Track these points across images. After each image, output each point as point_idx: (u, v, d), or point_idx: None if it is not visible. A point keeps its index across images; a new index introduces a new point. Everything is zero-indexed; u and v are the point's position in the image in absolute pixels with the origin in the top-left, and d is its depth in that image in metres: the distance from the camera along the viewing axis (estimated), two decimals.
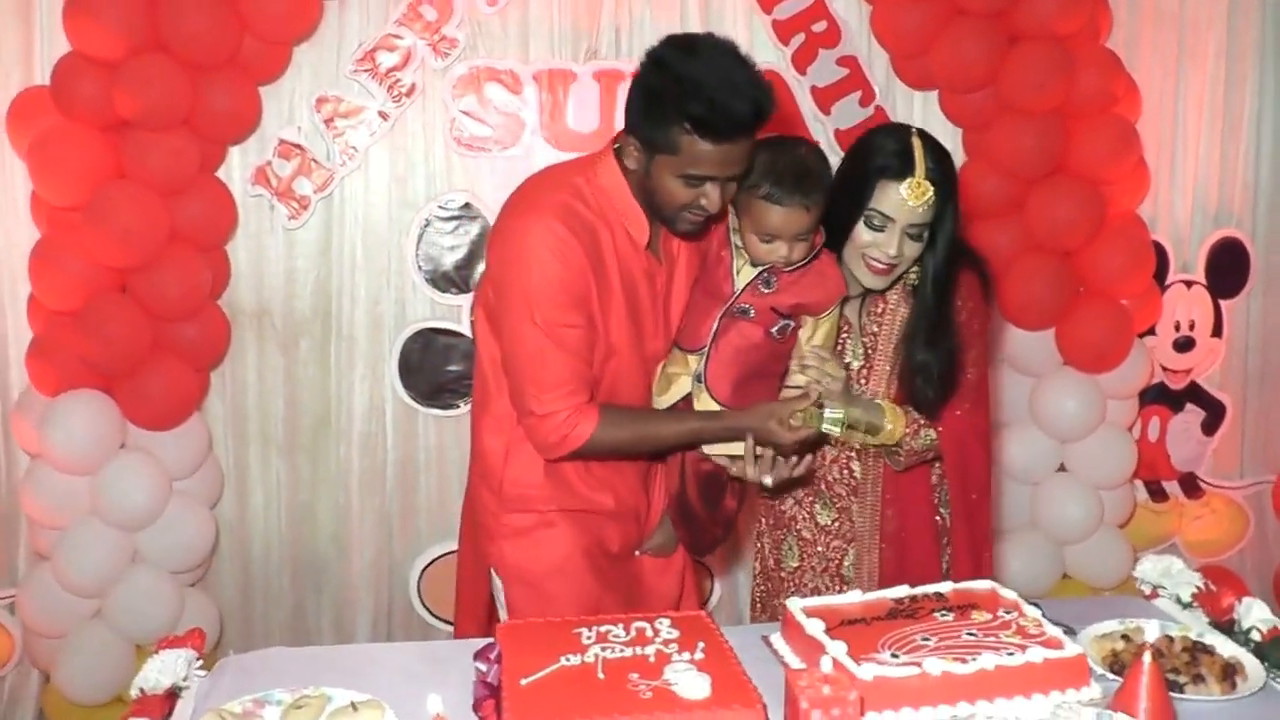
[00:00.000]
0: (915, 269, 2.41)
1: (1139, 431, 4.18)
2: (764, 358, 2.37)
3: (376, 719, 1.78)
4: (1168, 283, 4.14)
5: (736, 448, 2.33)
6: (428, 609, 3.79)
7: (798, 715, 1.67)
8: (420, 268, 3.62)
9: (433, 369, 3.68)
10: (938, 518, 2.54)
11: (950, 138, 3.76)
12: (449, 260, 3.64)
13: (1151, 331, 4.12)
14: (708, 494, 2.48)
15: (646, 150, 2.18)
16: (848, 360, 2.47)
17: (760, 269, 2.33)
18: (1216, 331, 4.25)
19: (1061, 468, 3.92)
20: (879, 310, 2.48)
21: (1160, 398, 4.23)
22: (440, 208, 3.61)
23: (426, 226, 3.61)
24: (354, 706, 1.80)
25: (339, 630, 3.81)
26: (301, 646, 3.66)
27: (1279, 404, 4.36)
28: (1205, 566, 4.22)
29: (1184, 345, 4.21)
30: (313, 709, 1.80)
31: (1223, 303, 4.25)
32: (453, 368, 3.66)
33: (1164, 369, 4.21)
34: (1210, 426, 4.32)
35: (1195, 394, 4.28)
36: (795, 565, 2.57)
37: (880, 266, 2.33)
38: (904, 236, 2.30)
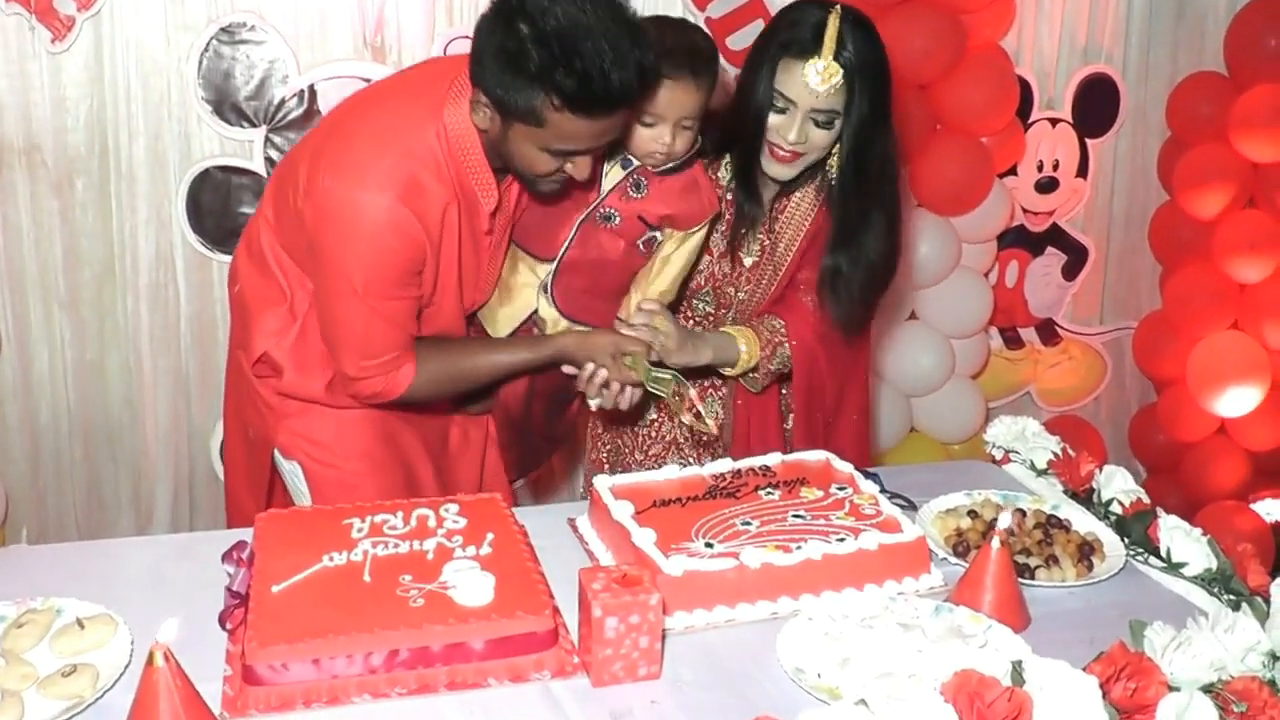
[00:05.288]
0: (834, 164, 2.20)
1: (996, 276, 4.05)
2: (618, 275, 2.20)
3: (106, 636, 1.56)
4: (1031, 120, 3.96)
5: None
6: None
7: (591, 622, 1.47)
8: (204, 98, 3.22)
9: (224, 211, 3.31)
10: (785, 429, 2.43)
11: None
12: (236, 90, 3.24)
13: (1013, 171, 3.96)
14: (551, 407, 2.31)
15: (501, 114, 1.82)
16: (743, 256, 2.30)
17: (630, 169, 2.10)
18: (1082, 172, 4.10)
19: (912, 315, 3.74)
20: (783, 207, 2.28)
21: (1019, 241, 4.08)
22: (223, 31, 3.20)
23: (206, 51, 3.20)
24: (80, 624, 1.57)
25: (137, 504, 3.52)
26: (99, 521, 3.48)
27: (1143, 247, 4.26)
28: (1059, 417, 4.16)
29: (1047, 186, 4.06)
30: (38, 626, 1.58)
31: (1089, 142, 4.09)
32: (247, 210, 3.28)
33: (1024, 210, 4.06)
34: (1071, 271, 4.20)
35: (1057, 237, 4.14)
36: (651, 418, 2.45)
37: (783, 153, 2.12)
38: (808, 121, 2.09)
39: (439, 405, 2.27)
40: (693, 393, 2.11)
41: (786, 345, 2.28)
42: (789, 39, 2.07)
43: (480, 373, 2.14)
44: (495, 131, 1.87)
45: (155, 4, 3.16)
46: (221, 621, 1.58)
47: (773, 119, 2.11)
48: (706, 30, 2.13)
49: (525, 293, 2.21)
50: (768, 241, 2.31)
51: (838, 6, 2.08)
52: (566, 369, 2.17)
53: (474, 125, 1.89)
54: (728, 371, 2.28)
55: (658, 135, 2.05)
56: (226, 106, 3.24)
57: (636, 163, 2.12)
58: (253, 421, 2.23)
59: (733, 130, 2.17)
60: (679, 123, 2.05)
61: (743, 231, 2.27)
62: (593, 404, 2.17)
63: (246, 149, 3.29)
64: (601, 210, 2.14)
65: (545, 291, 2.19)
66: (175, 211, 3.30)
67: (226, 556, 1.64)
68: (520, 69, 1.75)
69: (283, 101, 3.26)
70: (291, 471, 2.20)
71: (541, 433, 2.35)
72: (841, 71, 2.04)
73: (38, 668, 1.49)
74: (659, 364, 2.12)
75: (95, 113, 3.22)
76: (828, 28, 2.03)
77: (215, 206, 3.30)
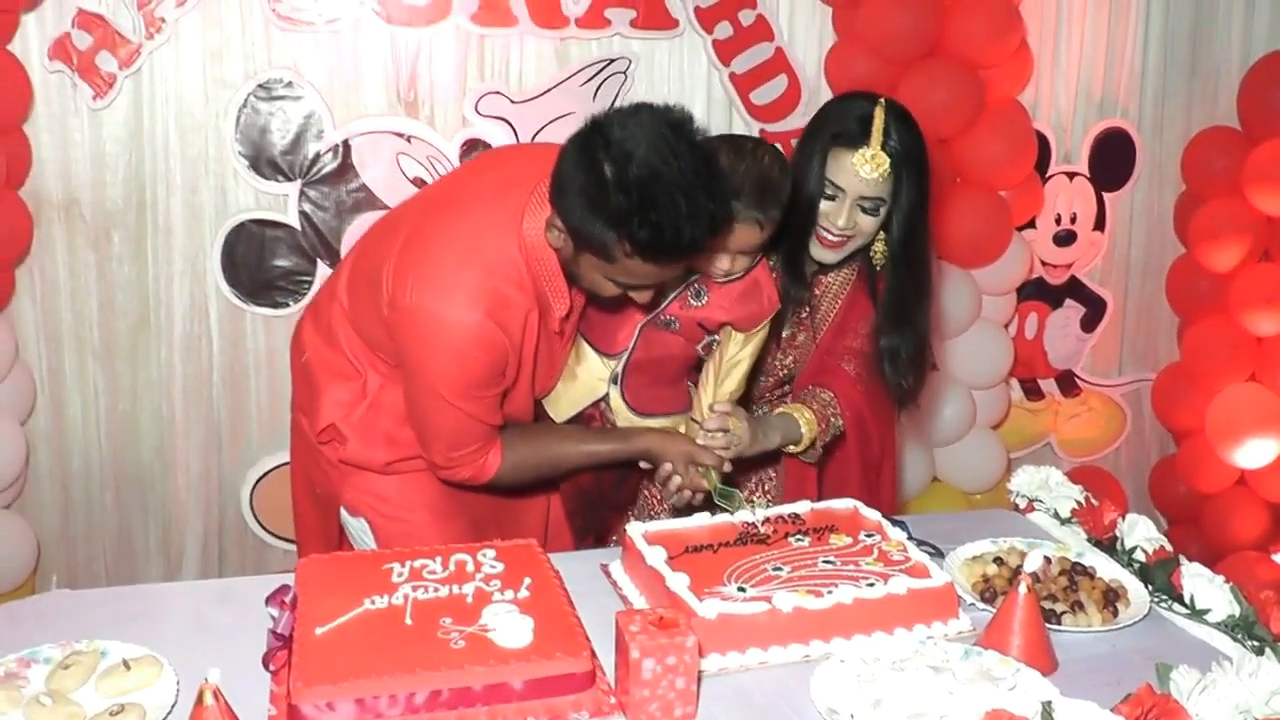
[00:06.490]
0: (880, 250, 2.29)
1: (1015, 329, 4.08)
2: (679, 365, 2.29)
3: (152, 677, 1.58)
4: (1049, 174, 4.02)
5: None
6: (262, 525, 3.55)
7: (628, 664, 1.49)
8: (240, 153, 3.30)
9: (259, 264, 3.38)
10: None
11: (820, 16, 3.60)
12: (272, 144, 3.32)
13: (1031, 224, 4.01)
14: (619, 478, 2.39)
15: (574, 242, 1.88)
16: (781, 330, 2.38)
17: (690, 278, 2.16)
18: (1099, 225, 4.15)
19: (934, 367, 3.74)
20: (820, 286, 2.39)
21: (1039, 293, 4.13)
22: (260, 87, 3.29)
23: (244, 107, 3.28)
24: (126, 665, 1.59)
25: (167, 552, 3.56)
26: (129, 569, 3.52)
27: (1160, 300, 4.29)
28: (1079, 468, 4.17)
29: (1065, 239, 4.10)
30: (83, 668, 1.60)
31: (1106, 195, 4.14)
32: (280, 262, 3.37)
33: (1043, 263, 4.10)
34: (1090, 323, 4.24)
35: (1075, 289, 4.19)
36: None
37: (831, 239, 2.22)
38: (855, 208, 2.19)
39: None
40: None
41: (839, 418, 2.34)
42: (838, 130, 2.17)
43: (569, 461, 2.23)
44: (566, 253, 1.93)
45: (195, 61, 3.26)
46: (265, 663, 1.60)
47: (823, 206, 2.20)
48: (777, 146, 2.17)
49: (588, 379, 2.28)
50: (805, 315, 2.39)
51: (882, 99, 2.18)
52: (644, 464, 2.25)
53: (548, 242, 1.95)
54: (790, 449, 2.33)
55: (715, 261, 2.11)
56: (263, 161, 3.32)
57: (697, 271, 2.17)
58: (319, 480, 2.28)
59: (784, 219, 2.23)
60: (739, 251, 2.10)
61: (787, 311, 2.35)
62: (667, 500, 2.25)
63: (281, 202, 3.37)
64: (662, 317, 2.21)
65: (615, 384, 2.28)
66: (210, 264, 3.37)
67: (270, 600, 1.67)
68: (598, 209, 1.79)
69: (318, 156, 3.34)
70: (358, 528, 2.25)
71: (609, 501, 2.42)
72: (889, 160, 2.13)
73: (85, 708, 1.52)
74: (728, 479, 2.17)
75: (134, 167, 3.30)
76: (875, 119, 2.14)
77: (250, 259, 3.37)
